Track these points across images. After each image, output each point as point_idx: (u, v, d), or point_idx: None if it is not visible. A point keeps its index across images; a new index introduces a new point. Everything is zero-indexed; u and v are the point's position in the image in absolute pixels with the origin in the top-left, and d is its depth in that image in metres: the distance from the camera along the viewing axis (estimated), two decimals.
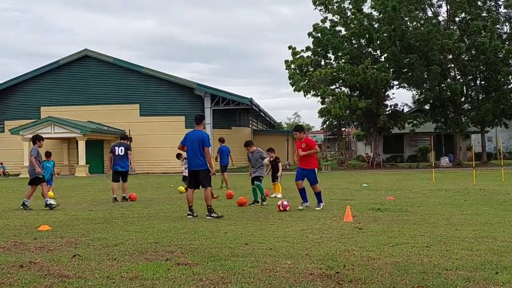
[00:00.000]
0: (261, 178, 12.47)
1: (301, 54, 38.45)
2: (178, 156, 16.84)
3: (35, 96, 39.00)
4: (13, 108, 39.59)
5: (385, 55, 37.17)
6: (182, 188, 16.31)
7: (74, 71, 38.83)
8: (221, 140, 19.29)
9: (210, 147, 9.85)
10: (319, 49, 38.22)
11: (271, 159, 14.52)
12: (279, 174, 14.20)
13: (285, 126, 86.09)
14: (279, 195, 14.11)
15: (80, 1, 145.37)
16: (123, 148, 13.86)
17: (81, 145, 33.98)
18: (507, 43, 36.44)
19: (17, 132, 34.41)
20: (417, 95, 41.97)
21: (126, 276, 4.97)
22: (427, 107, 42.33)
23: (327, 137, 57.25)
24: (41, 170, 11.94)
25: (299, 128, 11.65)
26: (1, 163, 37.55)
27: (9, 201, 14.09)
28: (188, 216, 9.63)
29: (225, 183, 18.13)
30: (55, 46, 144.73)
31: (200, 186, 9.83)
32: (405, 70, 37.41)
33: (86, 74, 38.63)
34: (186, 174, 15.26)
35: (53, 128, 34.10)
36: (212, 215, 9.46)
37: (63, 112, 36.80)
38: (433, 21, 36.58)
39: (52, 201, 11.91)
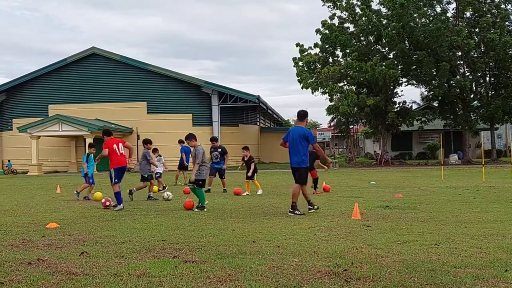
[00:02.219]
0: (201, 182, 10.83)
1: (309, 51, 38.34)
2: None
3: (43, 94, 39.24)
4: (21, 106, 39.88)
5: (394, 52, 36.98)
6: (156, 188, 15.27)
7: (82, 69, 39.01)
8: (182, 141, 19.37)
9: (315, 143, 9.92)
10: (327, 46, 38.08)
11: (246, 158, 14.69)
12: (249, 174, 14.46)
13: (293, 123, 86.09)
14: (260, 192, 14.48)
15: None
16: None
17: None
18: None
19: (25, 130, 34.62)
20: (426, 92, 41.71)
21: (134, 273, 4.98)
22: (435, 104, 42.06)
23: (335, 134, 57.12)
24: (155, 167, 13.28)
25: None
26: (8, 161, 37.84)
27: (17, 199, 14.17)
28: (290, 213, 9.47)
29: (176, 179, 19.42)
30: (63, 44, 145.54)
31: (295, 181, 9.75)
32: (414, 67, 37.21)
33: (94, 72, 38.80)
34: (160, 171, 15.50)
35: (60, 126, 34.29)
36: (296, 212, 9.44)
37: (71, 110, 37.02)
38: (442, 17, 36.30)
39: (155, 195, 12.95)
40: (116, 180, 11.18)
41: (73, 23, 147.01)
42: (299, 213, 9.39)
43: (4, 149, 40.10)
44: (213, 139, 15.32)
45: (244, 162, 14.84)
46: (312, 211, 9.68)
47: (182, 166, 19.62)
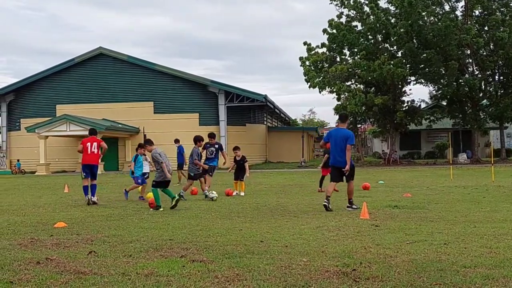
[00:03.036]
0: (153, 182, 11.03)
1: (316, 50, 38.23)
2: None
3: (50, 94, 39.43)
4: (29, 106, 40.11)
5: (402, 50, 36.79)
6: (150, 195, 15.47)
7: (89, 69, 39.15)
8: (177, 141, 20.10)
9: (353, 145, 10.46)
10: (335, 45, 37.95)
11: (238, 158, 14.56)
12: (247, 174, 14.40)
13: (300, 123, 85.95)
14: (242, 194, 14.13)
15: None
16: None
17: None
18: None
19: (33, 130, 34.79)
20: (434, 91, 41.44)
21: (142, 272, 4.99)
22: (444, 103, 41.81)
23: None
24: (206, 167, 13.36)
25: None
26: (18, 160, 38.07)
27: (25, 198, 14.25)
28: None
29: (179, 180, 19.05)
30: (69, 43, 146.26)
31: (344, 180, 10.35)
32: (422, 65, 37.00)
33: (101, 72, 38.94)
34: (147, 171, 15.28)
35: (68, 126, 34.43)
36: (353, 206, 10.11)
37: (78, 110, 37.15)
38: (451, 15, 36.09)
39: (212, 194, 12.64)
40: (84, 175, 12.35)
41: (80, 22, 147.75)
42: (355, 207, 10.05)
43: (13, 149, 40.37)
44: (211, 136, 14.42)
45: (235, 163, 14.60)
46: (350, 210, 10.08)
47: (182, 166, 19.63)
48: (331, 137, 10.35)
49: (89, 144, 12.39)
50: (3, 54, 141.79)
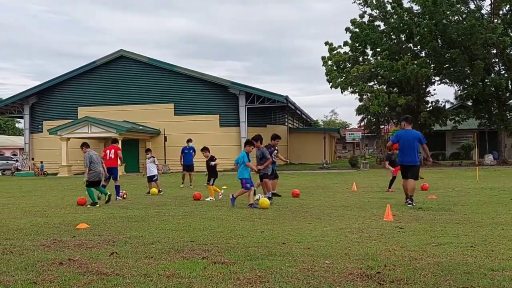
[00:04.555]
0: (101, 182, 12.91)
1: (338, 50, 37.99)
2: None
3: (72, 96, 39.93)
4: (51, 108, 40.70)
5: (426, 50, 36.29)
6: (154, 190, 15.42)
7: (110, 71, 39.56)
8: (190, 141, 20.48)
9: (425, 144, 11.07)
10: (357, 45, 37.65)
11: (207, 159, 14.38)
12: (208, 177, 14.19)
13: (322, 124, 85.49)
14: (209, 199, 13.30)
15: (114, 1, 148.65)
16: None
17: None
18: None
19: (55, 132, 35.26)
20: (459, 91, 40.75)
21: (163, 274, 4.98)
22: (469, 103, 41.09)
23: (365, 134, 56.44)
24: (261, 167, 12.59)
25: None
26: (41, 162, 38.70)
27: (47, 200, 14.44)
28: (408, 205, 10.51)
29: (190, 180, 19.31)
30: (91, 46, 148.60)
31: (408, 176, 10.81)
32: (447, 65, 36.41)
33: (122, 74, 39.30)
34: (155, 174, 15.50)
35: (90, 128, 34.83)
36: (413, 204, 10.52)
37: (100, 112, 37.54)
38: (476, 14, 35.45)
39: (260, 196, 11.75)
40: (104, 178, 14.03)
41: (101, 25, 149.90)
42: (414, 204, 10.46)
43: (35, 151, 41.06)
44: (275, 137, 13.84)
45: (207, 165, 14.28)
46: (410, 206, 10.44)
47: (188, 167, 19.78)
48: (401, 138, 10.92)
49: (108, 151, 14.58)
50: (27, 57, 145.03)
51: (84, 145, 13.03)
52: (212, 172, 14.27)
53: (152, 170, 15.78)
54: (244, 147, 12.15)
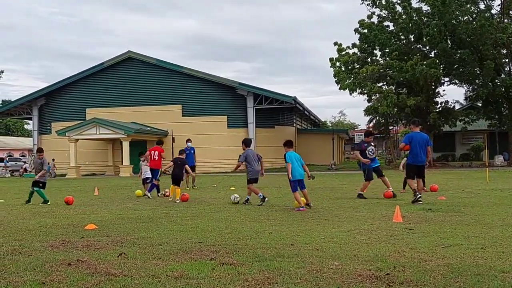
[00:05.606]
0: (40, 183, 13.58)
1: (346, 51, 37.86)
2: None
3: (80, 98, 40.12)
4: (60, 110, 40.93)
5: (435, 51, 36.07)
6: (139, 192, 15.61)
7: (118, 72, 39.71)
8: (189, 141, 20.48)
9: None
10: (366, 46, 37.50)
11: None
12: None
13: (330, 125, 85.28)
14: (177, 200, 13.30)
15: (122, 2, 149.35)
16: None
17: (125, 146, 34.42)
18: None
19: (63, 133, 35.42)
20: (469, 92, 40.45)
21: (172, 275, 4.98)
22: (479, 104, 40.79)
23: (374, 135, 56.20)
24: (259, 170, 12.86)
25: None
26: (48, 163, 38.92)
27: (56, 201, 14.47)
28: (419, 202, 11.16)
29: (193, 181, 19.21)
30: (100, 48, 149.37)
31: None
32: (456, 66, 36.17)
33: (130, 76, 39.44)
34: (149, 176, 15.63)
35: (98, 129, 34.96)
36: (419, 202, 11.16)
37: (108, 113, 37.67)
38: (486, 14, 35.19)
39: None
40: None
41: (109, 27, 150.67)
42: (421, 202, 11.14)
43: (44, 152, 41.29)
44: (369, 134, 13.76)
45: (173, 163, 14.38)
46: (420, 202, 11.13)
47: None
48: (413, 140, 11.62)
49: (152, 152, 15.55)
50: (36, 59, 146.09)
51: (39, 150, 14.54)
52: (179, 174, 14.12)
53: (147, 172, 15.96)
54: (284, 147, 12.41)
